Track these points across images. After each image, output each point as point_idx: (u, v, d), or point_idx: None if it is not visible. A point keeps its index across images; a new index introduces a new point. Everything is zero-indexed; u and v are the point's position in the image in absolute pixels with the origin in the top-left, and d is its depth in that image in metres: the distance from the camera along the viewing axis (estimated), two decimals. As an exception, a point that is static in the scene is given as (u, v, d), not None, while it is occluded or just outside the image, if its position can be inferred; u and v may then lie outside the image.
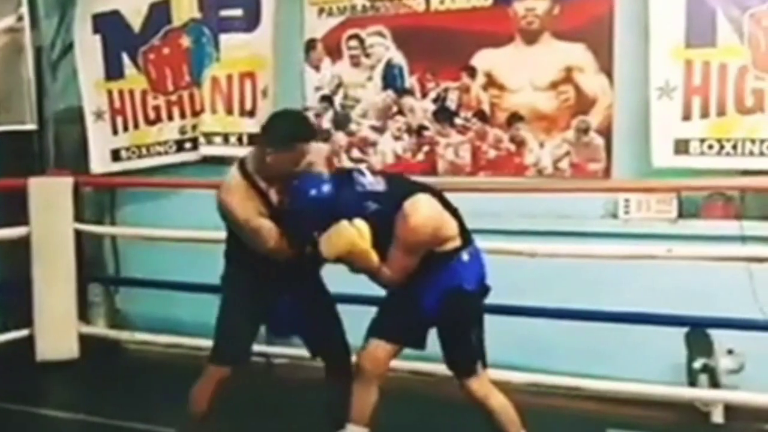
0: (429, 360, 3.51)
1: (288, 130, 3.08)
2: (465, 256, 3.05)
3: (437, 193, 3.10)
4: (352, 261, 2.96)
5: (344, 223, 2.90)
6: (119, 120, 5.45)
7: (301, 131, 3.10)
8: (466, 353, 3.08)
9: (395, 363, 3.20)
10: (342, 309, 3.38)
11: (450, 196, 4.41)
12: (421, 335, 3.13)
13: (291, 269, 3.16)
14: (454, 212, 3.10)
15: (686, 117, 4.13)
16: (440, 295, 3.02)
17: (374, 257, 2.94)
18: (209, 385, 3.31)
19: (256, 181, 3.09)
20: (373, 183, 2.97)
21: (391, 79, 4.87)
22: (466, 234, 3.10)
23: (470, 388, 3.06)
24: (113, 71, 5.42)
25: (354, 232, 2.90)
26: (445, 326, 3.08)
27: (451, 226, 3.05)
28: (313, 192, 2.95)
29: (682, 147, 4.14)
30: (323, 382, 3.39)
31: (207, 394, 3.31)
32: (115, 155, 5.46)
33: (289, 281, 3.22)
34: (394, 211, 2.93)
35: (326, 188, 2.95)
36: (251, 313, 3.27)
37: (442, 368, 3.20)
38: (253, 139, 4.87)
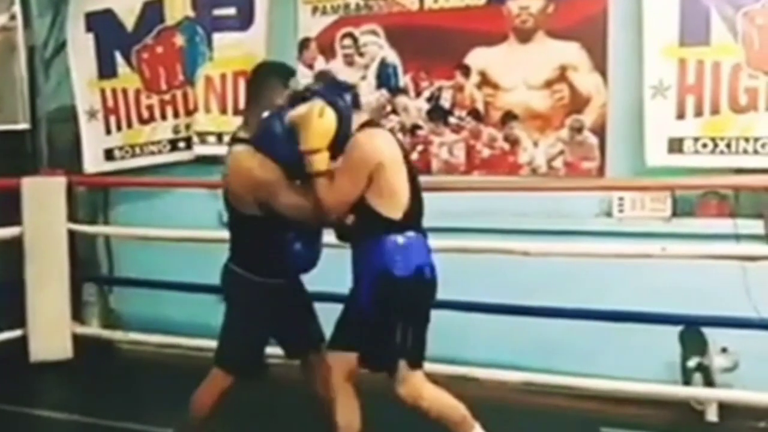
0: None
1: (278, 71, 3.14)
2: (400, 239, 2.90)
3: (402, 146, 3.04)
4: (301, 137, 2.84)
5: (316, 101, 2.86)
6: (112, 119, 5.43)
7: (283, 68, 3.19)
8: (388, 348, 2.92)
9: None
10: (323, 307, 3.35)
11: (444, 195, 4.48)
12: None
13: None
14: (415, 191, 2.97)
15: (680, 116, 4.13)
16: (372, 280, 2.91)
17: (323, 158, 2.84)
18: (214, 392, 3.24)
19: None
20: None
21: (385, 78, 4.87)
22: (415, 221, 2.98)
23: (396, 391, 2.93)
24: (106, 70, 5.40)
25: (323, 114, 2.82)
26: (371, 314, 2.92)
27: (402, 189, 2.91)
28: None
29: (676, 146, 4.15)
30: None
31: (211, 400, 3.25)
32: (109, 155, 5.44)
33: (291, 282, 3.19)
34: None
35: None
36: (267, 321, 3.19)
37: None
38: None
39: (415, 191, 2.98)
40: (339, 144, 2.88)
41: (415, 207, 2.97)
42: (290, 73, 3.18)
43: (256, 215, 3.02)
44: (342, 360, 3.02)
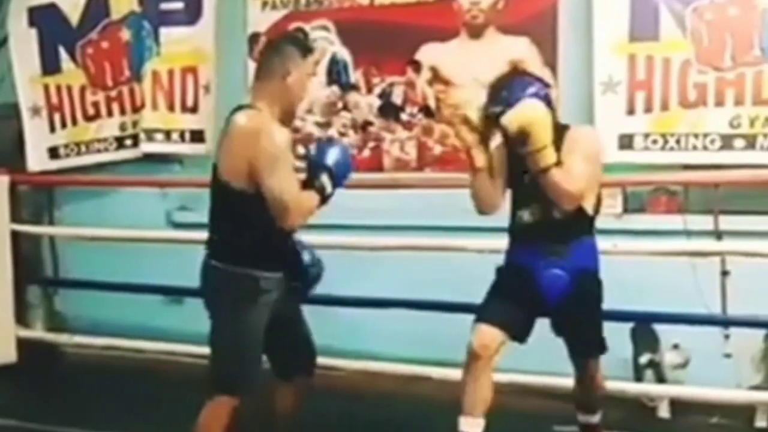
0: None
1: (296, 44, 2.91)
2: (594, 240, 3.07)
3: None
4: (530, 138, 2.80)
5: (528, 99, 2.85)
6: (57, 116, 5.32)
7: (304, 42, 3.10)
8: (595, 340, 3.13)
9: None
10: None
11: (395, 193, 4.44)
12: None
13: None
14: None
15: (630, 112, 4.13)
16: (575, 276, 2.98)
17: (552, 151, 2.82)
18: (223, 418, 2.79)
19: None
20: None
21: (335, 74, 4.81)
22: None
23: (591, 372, 3.18)
24: (50, 66, 5.29)
25: (542, 109, 2.83)
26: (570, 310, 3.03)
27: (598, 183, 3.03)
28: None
29: (626, 142, 4.14)
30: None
31: (222, 428, 2.81)
32: (53, 153, 5.34)
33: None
34: None
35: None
36: (262, 323, 2.78)
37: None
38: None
39: None
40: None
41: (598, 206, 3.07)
42: (308, 48, 2.95)
43: (247, 191, 2.66)
44: (491, 336, 3.00)
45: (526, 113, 2.82)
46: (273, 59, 2.83)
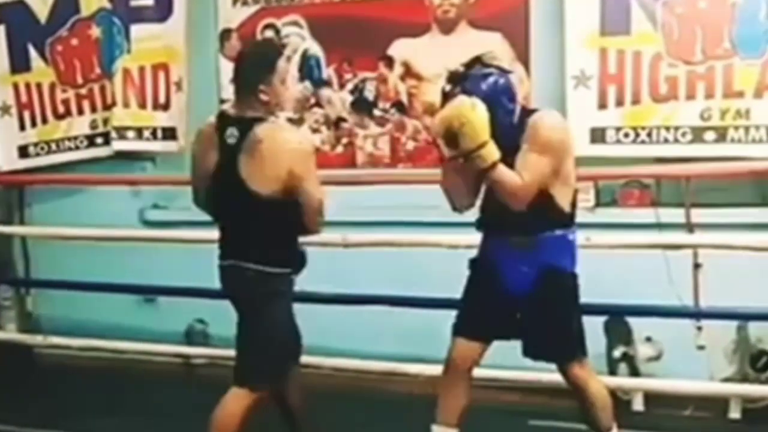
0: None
1: (263, 54, 2.94)
2: (571, 236, 2.94)
3: None
4: (461, 138, 2.68)
5: (460, 97, 2.72)
6: (27, 115, 5.23)
7: (269, 48, 3.09)
8: (567, 341, 2.96)
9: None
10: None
11: (369, 189, 4.42)
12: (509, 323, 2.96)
13: None
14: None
15: (602, 105, 4.13)
16: (541, 274, 2.87)
17: (493, 148, 2.70)
18: (241, 411, 2.87)
19: None
20: None
21: (308, 70, 4.78)
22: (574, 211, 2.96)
23: (571, 371, 2.98)
24: (19, 64, 5.20)
25: (467, 104, 2.69)
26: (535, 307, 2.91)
27: (573, 175, 2.88)
28: None
29: (598, 135, 4.15)
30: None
31: (236, 422, 2.88)
32: (23, 151, 5.24)
33: None
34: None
35: None
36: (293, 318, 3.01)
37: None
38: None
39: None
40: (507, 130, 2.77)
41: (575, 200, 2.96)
42: (274, 56, 2.90)
43: (277, 199, 2.79)
44: (470, 350, 2.97)
45: (454, 113, 2.70)
46: (244, 77, 2.86)
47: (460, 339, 2.98)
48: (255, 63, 2.87)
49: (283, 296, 2.92)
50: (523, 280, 2.89)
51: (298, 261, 2.95)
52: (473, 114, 2.68)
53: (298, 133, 2.89)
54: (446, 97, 2.80)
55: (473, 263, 3.08)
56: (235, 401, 2.87)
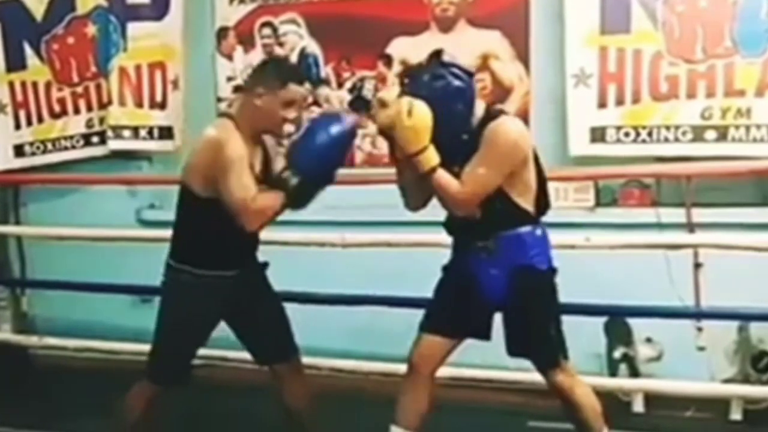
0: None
1: (283, 68, 2.94)
2: (539, 231, 2.82)
3: None
4: (399, 142, 2.64)
5: (403, 98, 2.64)
6: (22, 113, 5.20)
7: (295, 72, 2.99)
8: (546, 343, 2.83)
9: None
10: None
11: (368, 188, 4.39)
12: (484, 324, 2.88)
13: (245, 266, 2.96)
14: (543, 182, 2.84)
15: (602, 104, 4.12)
16: (510, 273, 2.76)
17: (432, 154, 2.63)
18: (141, 399, 3.05)
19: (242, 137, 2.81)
20: None
21: (306, 68, 4.73)
22: (543, 213, 2.86)
23: (553, 378, 2.86)
24: (15, 62, 5.17)
25: (405, 108, 2.60)
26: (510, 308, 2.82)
27: (534, 181, 2.78)
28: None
29: (598, 135, 4.13)
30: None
31: (140, 406, 3.05)
32: (19, 150, 5.21)
33: (242, 283, 2.96)
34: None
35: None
36: (207, 324, 2.99)
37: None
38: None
39: (543, 182, 2.85)
40: (459, 125, 2.70)
41: (542, 199, 2.84)
42: (293, 77, 2.86)
43: (201, 195, 2.81)
44: (437, 348, 2.90)
45: (392, 116, 2.64)
46: (255, 75, 2.92)
47: (423, 334, 2.91)
48: (265, 73, 2.87)
49: (185, 293, 2.90)
50: (495, 283, 2.80)
51: (214, 261, 2.89)
52: (411, 118, 2.61)
53: (227, 134, 2.75)
54: (403, 94, 2.73)
55: (446, 270, 2.97)
56: (137, 392, 3.04)
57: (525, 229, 2.79)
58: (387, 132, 2.69)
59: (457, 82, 2.70)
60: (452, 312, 2.88)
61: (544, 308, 2.84)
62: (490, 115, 2.75)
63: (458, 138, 2.71)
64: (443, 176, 2.67)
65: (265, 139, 2.94)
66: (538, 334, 2.82)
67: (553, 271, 2.87)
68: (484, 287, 2.82)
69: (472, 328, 2.90)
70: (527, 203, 2.79)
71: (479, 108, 2.77)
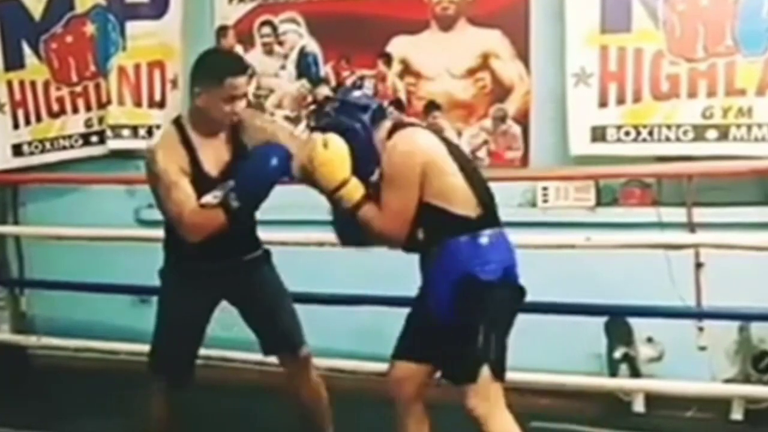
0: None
1: (215, 63, 2.83)
2: (483, 239, 2.58)
3: (447, 142, 2.71)
4: (319, 181, 2.56)
5: (313, 135, 2.58)
6: (20, 113, 5.18)
7: (229, 64, 2.84)
8: (468, 354, 2.57)
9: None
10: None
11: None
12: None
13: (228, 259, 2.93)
14: (480, 185, 2.66)
15: (603, 104, 4.09)
16: (451, 285, 2.56)
17: (355, 187, 2.56)
18: (158, 400, 3.08)
19: (188, 134, 2.79)
20: None
21: (305, 67, 4.74)
22: (491, 217, 2.65)
23: (467, 401, 2.56)
24: (13, 61, 5.15)
25: (319, 144, 2.52)
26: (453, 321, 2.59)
27: (461, 184, 2.59)
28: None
29: (599, 134, 4.11)
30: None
31: (158, 410, 3.07)
32: (17, 150, 5.20)
33: (227, 274, 2.95)
34: None
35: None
36: (188, 321, 2.99)
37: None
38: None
39: (480, 185, 2.66)
40: (366, 164, 2.60)
41: (486, 201, 2.65)
42: (229, 71, 2.77)
43: None
44: (410, 372, 2.74)
45: (306, 156, 2.58)
46: (192, 74, 2.84)
47: (395, 361, 2.78)
48: (197, 73, 2.82)
49: (173, 283, 2.98)
50: (442, 296, 2.62)
51: (197, 253, 2.80)
52: (325, 154, 2.54)
53: (162, 143, 2.76)
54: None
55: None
56: (154, 401, 3.07)
57: (468, 236, 2.59)
58: (305, 174, 2.62)
59: (348, 121, 2.60)
60: (422, 336, 2.73)
61: (474, 317, 2.57)
62: (390, 136, 2.63)
63: (370, 173, 2.61)
64: (369, 211, 2.58)
65: (245, 120, 2.87)
66: (461, 342, 2.57)
67: (503, 283, 2.63)
68: (435, 302, 2.66)
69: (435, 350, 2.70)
70: (463, 209, 2.60)
71: (383, 131, 2.64)
